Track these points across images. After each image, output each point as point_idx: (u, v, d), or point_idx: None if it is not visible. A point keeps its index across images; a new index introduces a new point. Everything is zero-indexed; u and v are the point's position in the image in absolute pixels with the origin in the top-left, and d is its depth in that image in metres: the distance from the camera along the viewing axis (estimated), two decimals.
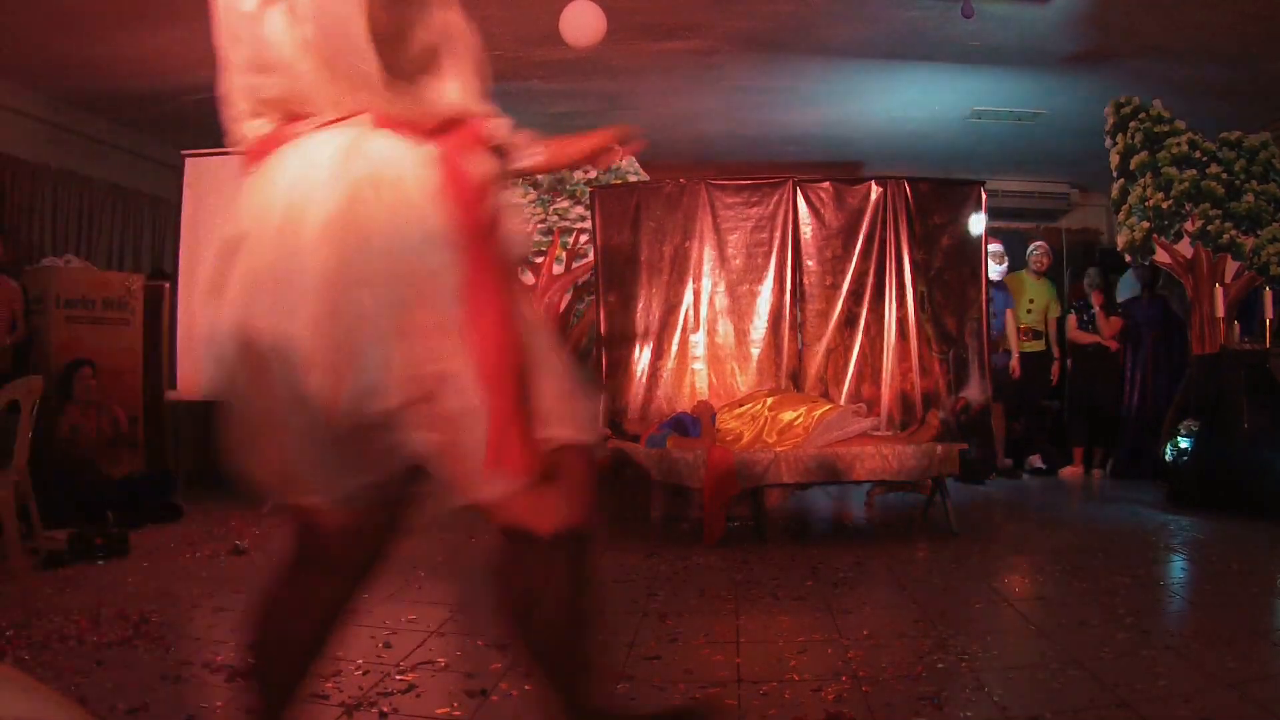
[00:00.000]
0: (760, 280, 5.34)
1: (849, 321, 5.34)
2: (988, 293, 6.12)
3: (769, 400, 4.76)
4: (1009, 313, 6.65)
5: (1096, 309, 6.79)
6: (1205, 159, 5.60)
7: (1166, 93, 5.71)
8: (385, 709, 2.15)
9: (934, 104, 6.59)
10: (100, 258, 6.58)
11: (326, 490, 1.27)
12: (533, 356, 1.27)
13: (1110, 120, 5.83)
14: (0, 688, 1.11)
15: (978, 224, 5.39)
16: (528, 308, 1.33)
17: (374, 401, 1.18)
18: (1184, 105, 5.69)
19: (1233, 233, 5.53)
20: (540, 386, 1.27)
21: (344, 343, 1.17)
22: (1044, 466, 6.79)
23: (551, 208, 6.11)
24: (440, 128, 1.26)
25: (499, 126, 1.36)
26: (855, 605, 3.12)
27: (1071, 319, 6.93)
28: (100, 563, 3.78)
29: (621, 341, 5.36)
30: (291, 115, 1.27)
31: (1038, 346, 6.79)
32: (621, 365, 5.35)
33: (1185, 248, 5.71)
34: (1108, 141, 5.87)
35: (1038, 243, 7.10)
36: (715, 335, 5.32)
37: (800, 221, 5.35)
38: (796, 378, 5.29)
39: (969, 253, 5.40)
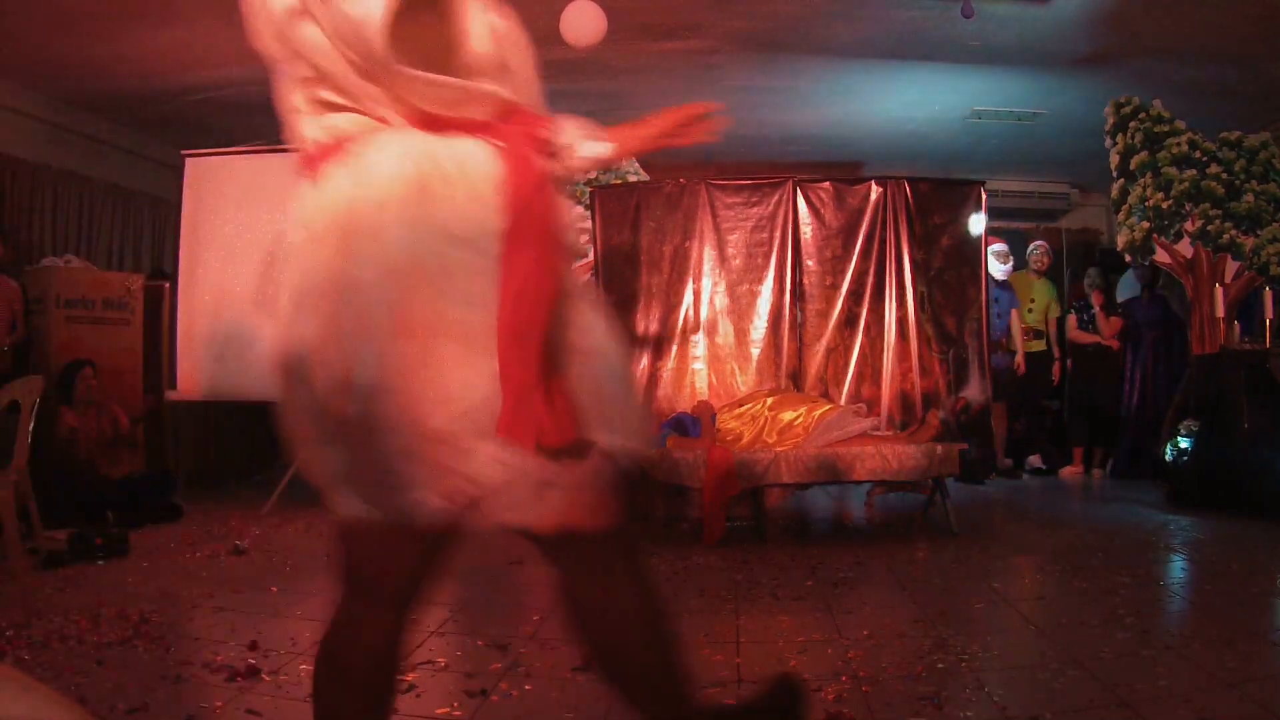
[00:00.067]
0: (760, 280, 5.34)
1: (849, 321, 5.34)
2: (988, 293, 6.12)
3: (769, 400, 4.76)
4: (1014, 313, 6.64)
5: (1097, 309, 6.79)
6: (1205, 159, 5.60)
7: (1166, 93, 5.71)
8: None
9: (934, 104, 6.59)
10: (100, 258, 6.58)
11: (368, 505, 1.20)
12: (588, 358, 1.23)
13: (1110, 120, 5.83)
14: (0, 688, 1.11)
15: (978, 224, 5.39)
16: (589, 308, 1.27)
17: (374, 402, 1.13)
18: (1184, 105, 5.69)
19: (1233, 233, 5.52)
20: (592, 387, 1.22)
21: (346, 340, 1.15)
22: (1044, 466, 6.79)
23: None
24: (496, 126, 1.23)
25: (557, 123, 1.32)
26: (855, 605, 3.11)
27: (1071, 319, 6.93)
28: (100, 563, 3.78)
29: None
30: (346, 110, 1.23)
31: (1038, 346, 6.79)
32: None
33: (1185, 248, 5.71)
34: (1108, 141, 5.86)
35: (1038, 242, 7.10)
36: (715, 335, 5.32)
37: (800, 221, 5.34)
38: (796, 378, 5.29)
39: (969, 253, 5.40)
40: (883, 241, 5.30)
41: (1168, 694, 2.17)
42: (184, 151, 5.74)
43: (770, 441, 4.52)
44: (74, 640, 2.67)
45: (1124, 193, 5.80)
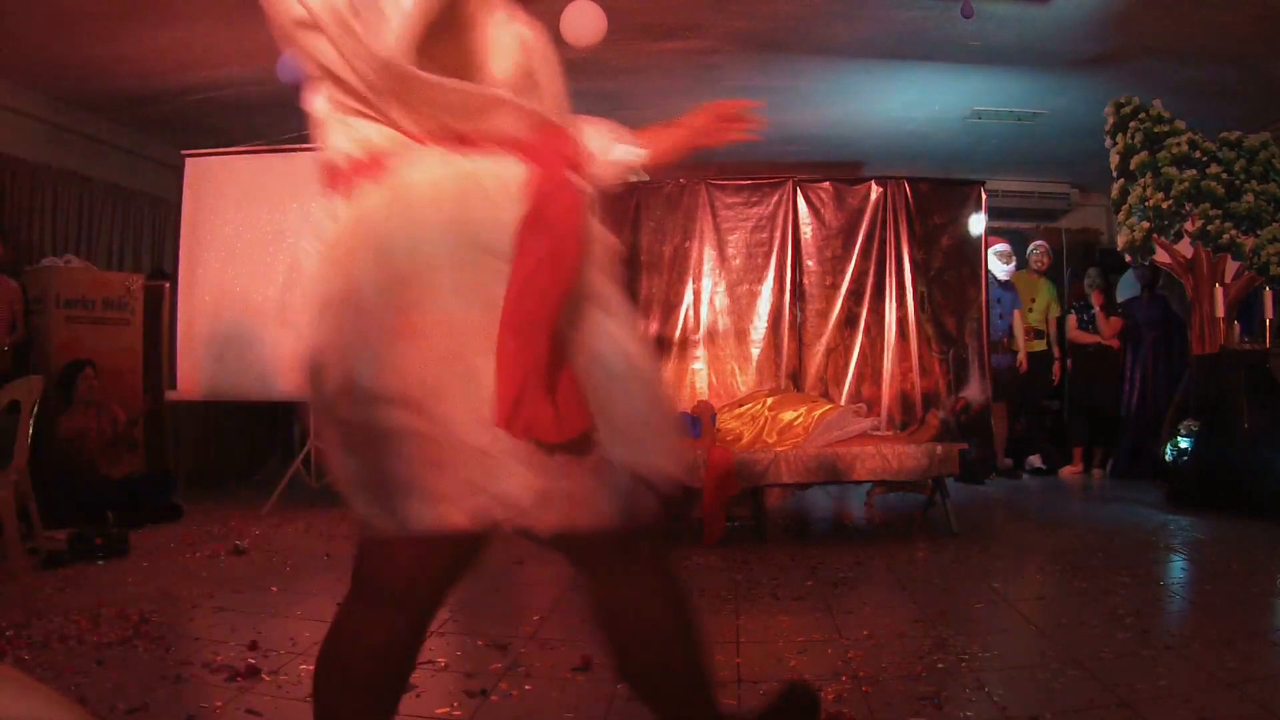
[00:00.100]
0: (760, 280, 5.34)
1: (849, 321, 5.34)
2: (991, 293, 6.14)
3: (769, 400, 4.77)
4: (1017, 314, 6.64)
5: (1097, 309, 6.79)
6: (1205, 159, 5.60)
7: (1166, 93, 5.71)
8: None
9: (934, 104, 6.58)
10: (100, 258, 6.58)
11: (388, 515, 1.16)
12: (598, 362, 1.17)
13: (1110, 120, 5.83)
14: (0, 688, 1.11)
15: (978, 224, 5.39)
16: (611, 316, 1.21)
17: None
18: (1184, 105, 5.69)
19: (1233, 233, 5.52)
20: (602, 394, 1.16)
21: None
22: (1044, 466, 6.79)
23: None
24: (525, 142, 1.18)
25: (587, 132, 1.27)
26: (855, 605, 3.12)
27: (1071, 319, 6.93)
28: (100, 563, 3.78)
29: None
30: (373, 119, 1.18)
31: (1039, 346, 6.79)
32: None
33: (1185, 248, 5.71)
34: (1108, 141, 5.86)
35: (1038, 242, 7.10)
36: (715, 335, 5.32)
37: (800, 221, 5.35)
38: (796, 378, 5.29)
39: (969, 253, 5.41)
40: (883, 241, 5.31)
41: (1168, 694, 2.17)
42: (184, 151, 5.74)
43: (770, 441, 4.52)
44: (74, 640, 2.67)
45: (1124, 193, 5.80)
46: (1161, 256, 5.83)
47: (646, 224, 5.36)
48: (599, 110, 1.52)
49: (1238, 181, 5.58)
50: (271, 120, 6.16)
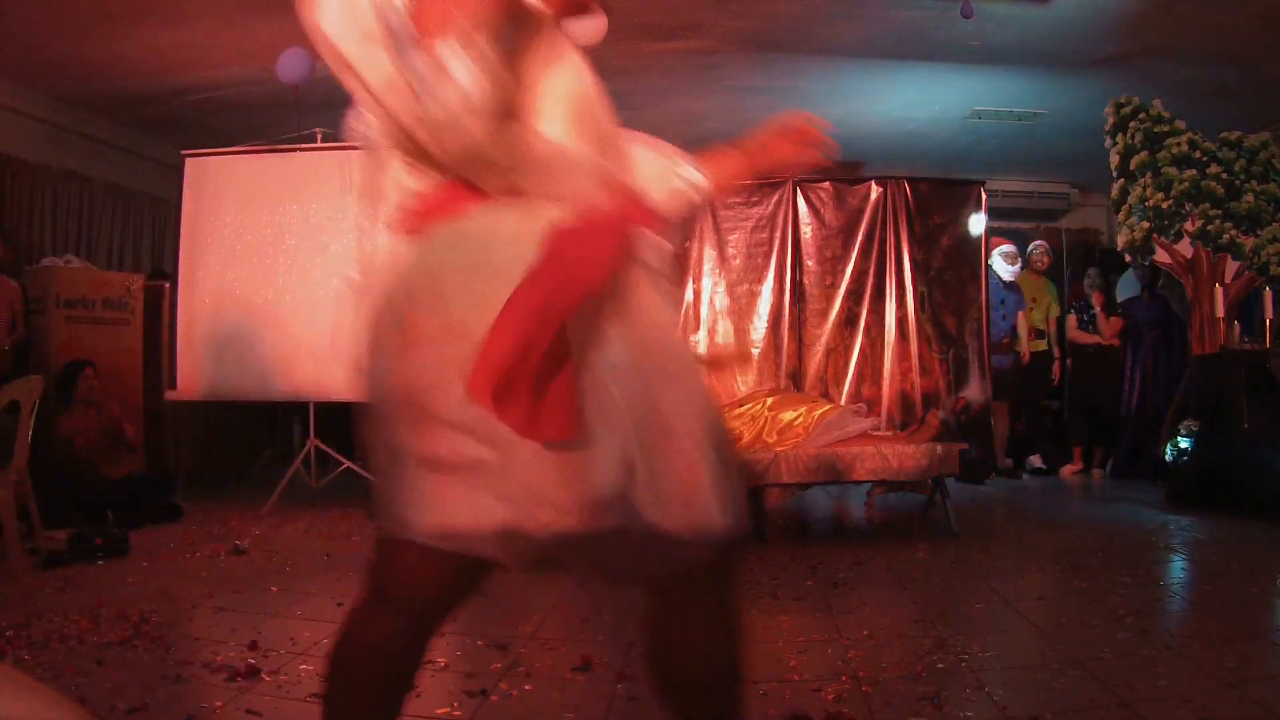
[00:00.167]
0: (760, 280, 5.34)
1: (849, 321, 5.35)
2: (995, 294, 6.14)
3: (769, 400, 4.77)
4: (1021, 315, 6.64)
5: (1097, 309, 6.80)
6: (1205, 159, 5.60)
7: (1166, 93, 5.71)
8: None
9: (934, 104, 6.58)
10: (100, 258, 6.58)
11: (414, 526, 1.15)
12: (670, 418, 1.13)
13: (1110, 120, 5.83)
14: (0, 688, 1.11)
15: (978, 224, 5.40)
16: (689, 364, 1.19)
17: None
18: (1184, 105, 5.69)
19: (1233, 233, 5.52)
20: (676, 461, 1.12)
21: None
22: (1044, 466, 6.79)
23: None
24: (591, 205, 1.16)
25: (650, 161, 1.27)
26: (855, 605, 3.11)
27: (1071, 319, 6.93)
28: (100, 563, 3.78)
29: None
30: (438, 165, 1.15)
31: (1040, 346, 6.79)
32: None
33: (1185, 248, 5.71)
34: (1108, 141, 5.86)
35: (1038, 242, 7.10)
36: (715, 335, 5.33)
37: (800, 221, 5.35)
38: (796, 378, 5.29)
39: (969, 253, 5.41)
40: (883, 241, 5.31)
41: (1168, 694, 2.17)
42: (184, 151, 5.74)
43: (770, 441, 4.52)
44: (74, 640, 2.67)
45: (1124, 193, 5.80)
46: (1161, 256, 5.83)
47: None
48: None
49: (1238, 181, 5.58)
50: (271, 120, 6.16)
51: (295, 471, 5.38)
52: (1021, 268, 6.79)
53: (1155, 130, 5.65)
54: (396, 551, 1.20)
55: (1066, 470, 6.74)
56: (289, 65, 5.08)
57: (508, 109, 1.11)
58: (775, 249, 5.31)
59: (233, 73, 5.83)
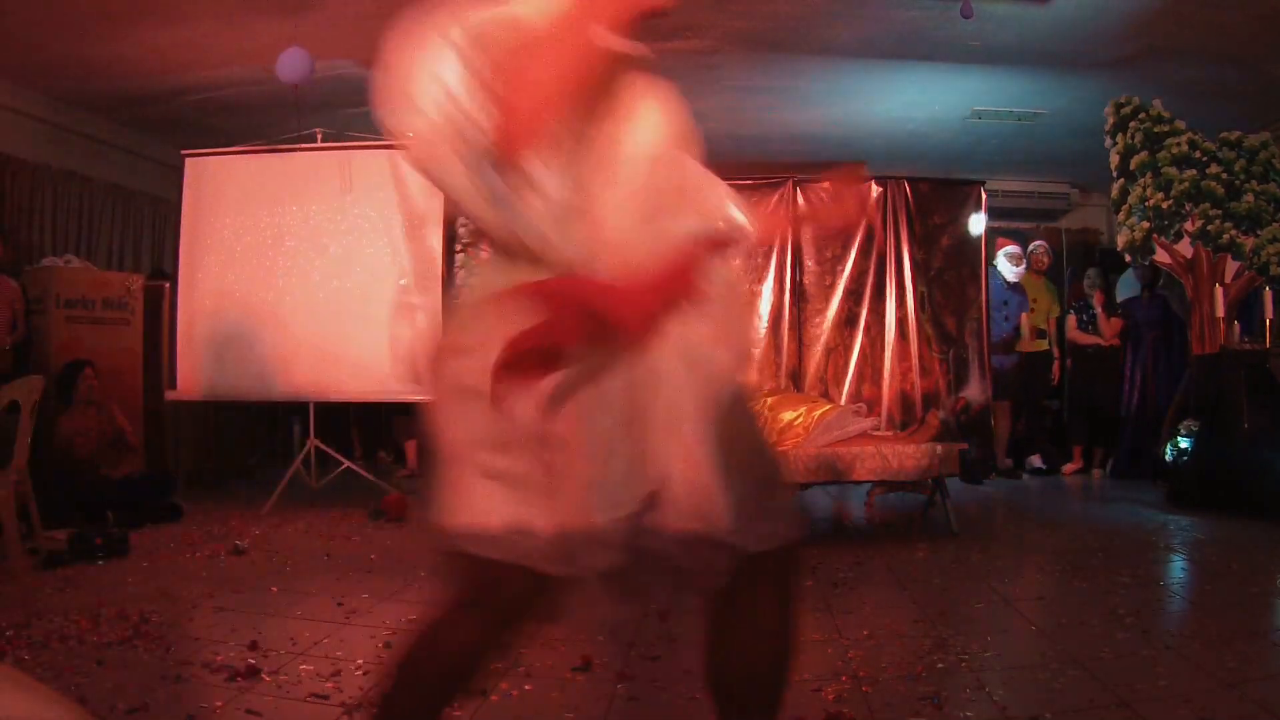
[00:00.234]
0: (760, 280, 5.34)
1: (849, 321, 5.34)
2: (999, 295, 6.13)
3: (769, 400, 4.77)
4: (1024, 316, 6.64)
5: (1098, 310, 6.79)
6: (1205, 159, 5.60)
7: (1166, 93, 5.71)
8: None
9: (934, 104, 6.58)
10: (100, 258, 6.58)
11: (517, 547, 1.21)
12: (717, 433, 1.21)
13: (1110, 120, 5.83)
14: (0, 688, 1.11)
15: (978, 224, 5.40)
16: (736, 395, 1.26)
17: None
18: (1184, 105, 5.69)
19: (1233, 233, 5.52)
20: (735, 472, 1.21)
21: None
22: (1044, 466, 6.79)
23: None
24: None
25: (710, 194, 1.34)
26: (855, 605, 3.11)
27: (1071, 319, 6.93)
28: (100, 563, 3.78)
29: None
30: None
31: (1041, 346, 6.79)
32: None
33: (1185, 248, 5.71)
34: (1108, 141, 5.86)
35: (1038, 242, 7.10)
36: None
37: (800, 221, 5.35)
38: (796, 378, 5.29)
39: (969, 253, 5.41)
40: (883, 241, 5.31)
41: (1168, 694, 2.17)
42: (184, 151, 5.74)
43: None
44: (74, 640, 2.67)
45: (1124, 193, 5.80)
46: (1161, 256, 5.83)
47: None
48: None
49: (1238, 181, 5.58)
50: (271, 120, 6.16)
51: (295, 471, 5.38)
52: (1025, 268, 6.79)
53: (1155, 130, 5.65)
54: (483, 562, 1.23)
55: (1067, 469, 6.74)
56: (289, 65, 5.08)
57: (582, 213, 1.18)
58: (775, 248, 5.31)
59: (233, 73, 5.83)
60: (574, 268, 1.18)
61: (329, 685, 2.29)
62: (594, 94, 1.20)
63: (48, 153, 6.25)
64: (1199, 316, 5.71)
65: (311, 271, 5.44)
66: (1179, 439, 5.28)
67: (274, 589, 3.36)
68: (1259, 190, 5.56)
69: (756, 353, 5.29)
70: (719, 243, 1.36)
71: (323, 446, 5.46)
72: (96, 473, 4.94)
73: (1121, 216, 5.84)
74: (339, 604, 3.11)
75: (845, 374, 5.33)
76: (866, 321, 5.31)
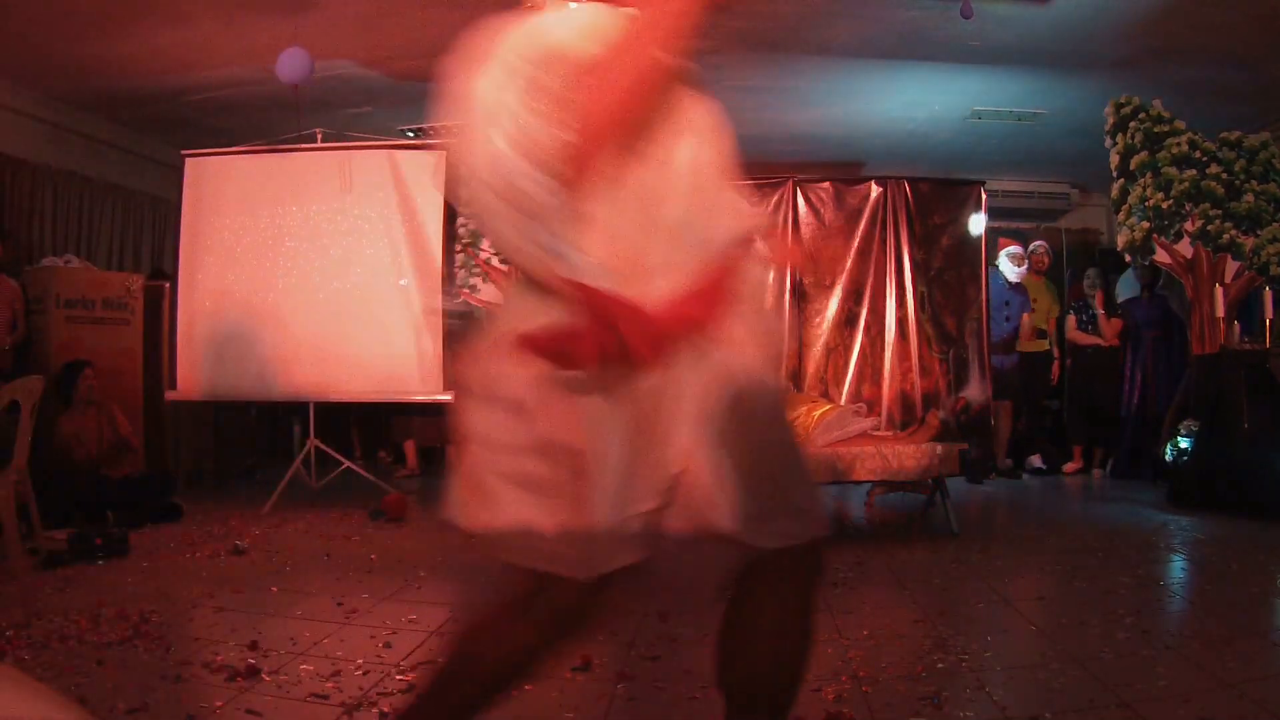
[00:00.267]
0: None
1: (849, 321, 5.34)
2: (1000, 295, 6.12)
3: None
4: (1026, 316, 6.64)
5: (1099, 310, 6.79)
6: (1205, 159, 5.60)
7: (1166, 93, 5.71)
8: (385, 709, 2.15)
9: (934, 104, 6.59)
10: (100, 258, 6.58)
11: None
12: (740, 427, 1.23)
13: (1110, 120, 5.83)
14: (0, 688, 1.11)
15: (978, 224, 5.40)
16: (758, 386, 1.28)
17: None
18: (1184, 105, 5.69)
19: (1233, 233, 5.53)
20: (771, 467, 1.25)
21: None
22: (1044, 466, 6.79)
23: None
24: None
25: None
26: (855, 605, 3.11)
27: (1071, 319, 6.93)
28: (100, 563, 3.78)
29: None
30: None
31: (1041, 346, 6.79)
32: None
33: (1185, 248, 5.71)
34: (1108, 141, 5.87)
35: (1038, 242, 7.10)
36: None
37: (800, 221, 5.35)
38: (796, 378, 5.29)
39: (969, 253, 5.41)
40: (883, 241, 5.31)
41: (1168, 694, 2.17)
42: (184, 151, 5.73)
43: None
44: (74, 640, 2.67)
45: (1124, 193, 5.80)
46: (1161, 256, 5.83)
47: None
48: None
49: (1238, 181, 5.58)
50: (271, 120, 6.16)
51: (295, 471, 5.38)
52: (1027, 269, 6.79)
53: (1155, 130, 5.65)
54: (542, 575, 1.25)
55: (1068, 469, 6.74)
56: (289, 65, 5.08)
57: (629, 234, 1.21)
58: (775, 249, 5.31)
59: (233, 73, 5.83)
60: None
61: (329, 685, 2.29)
62: (652, 111, 1.22)
63: (48, 153, 6.26)
64: (1199, 316, 5.71)
65: (311, 271, 5.43)
66: (1179, 439, 5.28)
67: (274, 589, 3.36)
68: (1259, 190, 5.56)
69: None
70: (753, 243, 1.38)
71: (323, 446, 5.46)
72: (96, 473, 4.94)
73: (1121, 216, 5.84)
74: (339, 604, 3.11)
75: (845, 374, 5.33)
76: (866, 321, 5.31)
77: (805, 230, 5.36)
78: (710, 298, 1.25)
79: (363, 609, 3.06)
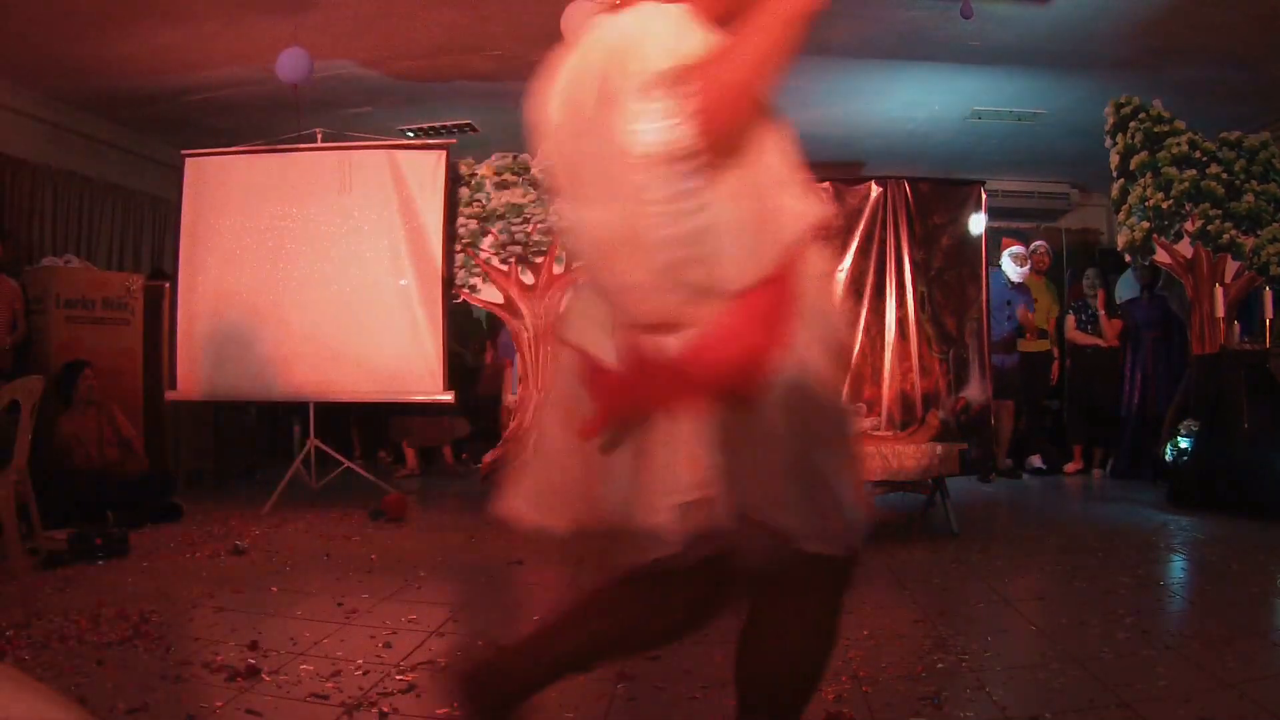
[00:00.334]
0: None
1: (848, 321, 5.34)
2: (1001, 295, 6.11)
3: None
4: (1028, 313, 6.63)
5: (1100, 310, 6.79)
6: (1205, 159, 5.60)
7: (1166, 93, 5.71)
8: (385, 709, 2.15)
9: (934, 104, 6.59)
10: (100, 258, 6.58)
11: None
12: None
13: (1110, 120, 5.83)
14: (0, 688, 1.11)
15: (978, 224, 5.40)
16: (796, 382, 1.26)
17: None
18: (1184, 105, 5.69)
19: (1233, 233, 5.53)
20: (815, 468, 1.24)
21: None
22: (1044, 466, 6.79)
23: (552, 207, 6.06)
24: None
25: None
26: (855, 605, 3.11)
27: (1071, 319, 6.93)
28: (100, 563, 3.78)
29: None
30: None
31: (1042, 346, 6.79)
32: None
33: (1185, 248, 5.72)
34: (1108, 141, 5.87)
35: (1038, 242, 7.10)
36: None
37: None
38: None
39: (969, 253, 5.40)
40: (882, 241, 5.31)
41: (1168, 694, 2.17)
42: (184, 151, 5.74)
43: None
44: (74, 640, 2.67)
45: (1124, 193, 5.80)
46: (1161, 256, 5.83)
47: None
48: None
49: (1238, 181, 5.59)
50: (271, 120, 6.16)
51: (295, 471, 5.38)
52: (1029, 269, 6.79)
53: (1155, 130, 5.65)
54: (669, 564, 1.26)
55: (1068, 468, 6.74)
56: (289, 65, 5.08)
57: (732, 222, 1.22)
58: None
59: (233, 73, 5.83)
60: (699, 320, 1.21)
61: (329, 685, 2.29)
62: (760, 110, 1.25)
63: (48, 153, 6.26)
64: (1199, 316, 5.71)
65: (311, 272, 5.44)
66: (1179, 439, 5.28)
67: (274, 589, 3.36)
68: (1259, 190, 5.56)
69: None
70: (817, 241, 1.39)
71: (323, 446, 5.46)
72: (96, 473, 4.94)
73: (1121, 216, 5.84)
74: (339, 604, 3.11)
75: (845, 374, 5.32)
76: (866, 321, 5.31)
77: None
78: (773, 311, 1.24)
79: (363, 609, 3.06)
